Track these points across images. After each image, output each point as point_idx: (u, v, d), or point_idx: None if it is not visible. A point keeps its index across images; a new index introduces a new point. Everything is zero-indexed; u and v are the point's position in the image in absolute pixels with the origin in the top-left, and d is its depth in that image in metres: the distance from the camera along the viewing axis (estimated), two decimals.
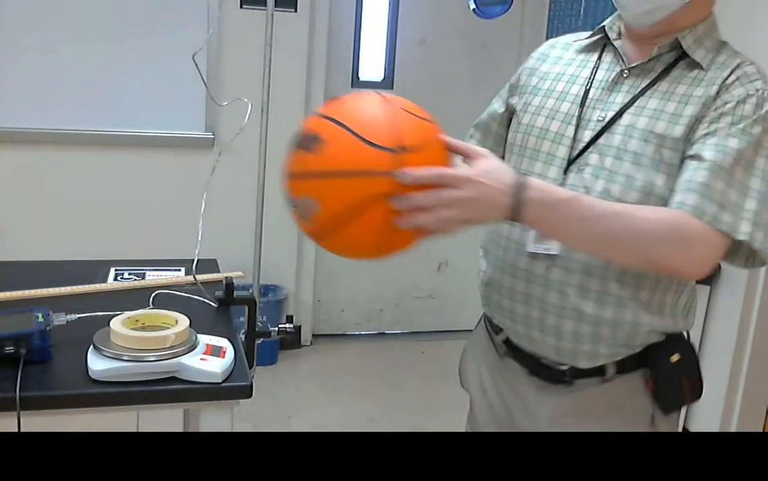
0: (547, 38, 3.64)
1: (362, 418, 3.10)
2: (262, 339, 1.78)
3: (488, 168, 1.11)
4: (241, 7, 3.27)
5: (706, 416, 2.87)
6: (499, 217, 1.11)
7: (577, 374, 1.29)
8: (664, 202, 1.18)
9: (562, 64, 1.38)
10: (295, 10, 3.35)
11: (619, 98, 1.26)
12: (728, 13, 2.83)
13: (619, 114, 1.25)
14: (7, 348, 1.25)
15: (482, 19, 3.36)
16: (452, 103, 3.79)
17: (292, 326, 2.22)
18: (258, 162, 3.02)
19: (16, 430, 1.16)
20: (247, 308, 1.64)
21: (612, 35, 1.33)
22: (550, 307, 1.27)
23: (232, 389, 1.29)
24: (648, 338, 1.27)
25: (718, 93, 1.21)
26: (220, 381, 1.27)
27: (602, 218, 1.13)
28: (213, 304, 1.62)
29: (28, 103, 3.10)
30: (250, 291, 2.87)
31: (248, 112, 1.75)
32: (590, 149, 1.25)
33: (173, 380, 1.27)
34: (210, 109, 3.25)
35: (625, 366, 1.28)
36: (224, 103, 2.71)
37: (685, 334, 1.32)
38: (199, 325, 1.39)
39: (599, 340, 1.26)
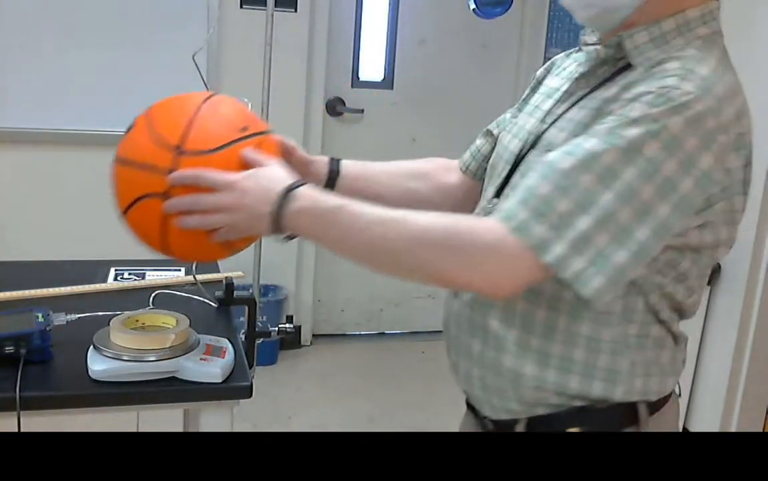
0: (547, 38, 3.66)
1: (362, 418, 3.11)
2: (262, 339, 1.79)
3: (258, 175, 1.07)
4: (241, 7, 3.28)
5: (706, 416, 2.87)
6: (263, 226, 1.06)
7: (496, 425, 1.14)
8: None
9: (559, 77, 1.20)
10: (295, 10, 3.35)
11: (562, 110, 1.11)
12: (728, 12, 2.83)
13: (549, 128, 1.10)
14: (7, 348, 1.25)
15: (482, 19, 3.36)
16: (452, 103, 3.80)
17: (292, 326, 2.22)
18: None
19: (16, 430, 1.16)
20: (247, 308, 1.64)
21: (588, 39, 1.14)
22: (456, 345, 1.17)
23: (232, 389, 1.29)
24: (547, 398, 1.07)
25: (620, 91, 1.02)
26: (220, 381, 1.27)
27: (372, 226, 1.01)
28: (213, 304, 1.62)
29: (28, 103, 3.10)
30: (250, 291, 2.87)
31: None
32: (517, 170, 1.10)
33: (173, 380, 1.27)
34: None
35: (534, 428, 1.09)
36: None
37: (620, 405, 1.06)
38: (199, 325, 1.39)
39: (493, 389, 1.11)
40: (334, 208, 1.04)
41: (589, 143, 0.95)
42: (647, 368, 1.06)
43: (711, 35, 1.04)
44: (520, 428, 1.09)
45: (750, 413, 2.80)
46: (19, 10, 3.01)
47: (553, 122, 1.09)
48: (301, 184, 1.07)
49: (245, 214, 1.06)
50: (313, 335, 3.78)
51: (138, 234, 1.16)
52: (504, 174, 1.13)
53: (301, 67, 3.42)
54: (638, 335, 1.05)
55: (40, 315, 1.31)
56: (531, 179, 0.97)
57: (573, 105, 1.08)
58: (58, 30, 3.07)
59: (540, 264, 0.94)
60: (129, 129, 1.17)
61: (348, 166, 1.33)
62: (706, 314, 2.86)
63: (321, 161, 1.32)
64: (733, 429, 2.79)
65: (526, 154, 1.10)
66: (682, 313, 1.10)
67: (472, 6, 3.23)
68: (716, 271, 2.79)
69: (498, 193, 1.12)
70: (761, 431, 2.82)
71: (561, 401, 1.07)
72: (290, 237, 1.11)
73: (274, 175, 1.08)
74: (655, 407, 1.08)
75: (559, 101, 1.12)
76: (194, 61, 1.77)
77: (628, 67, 1.04)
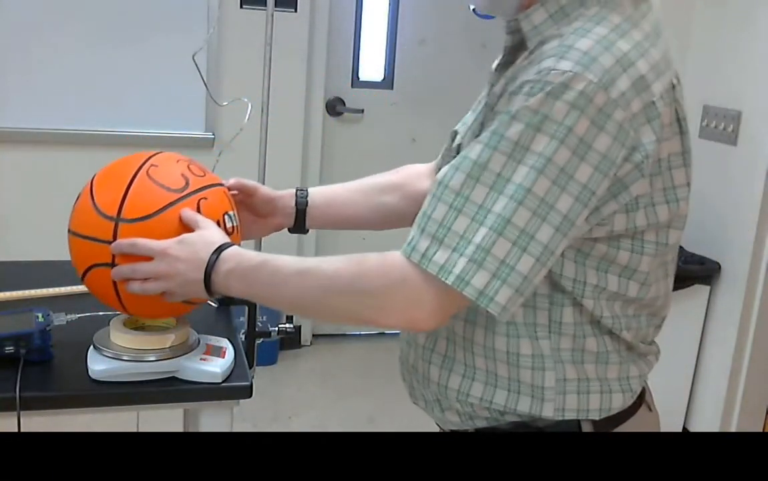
0: None
1: (362, 418, 3.10)
2: (262, 339, 1.79)
3: (189, 241, 1.09)
4: (241, 7, 3.27)
5: (706, 416, 2.87)
6: (198, 290, 1.09)
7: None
8: None
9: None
10: (295, 10, 3.35)
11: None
12: (728, 12, 2.84)
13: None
14: (7, 348, 1.25)
15: (482, 19, 3.36)
16: (452, 103, 3.80)
17: (292, 326, 2.22)
18: (258, 162, 3.02)
19: (16, 430, 1.16)
20: (247, 308, 1.64)
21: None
22: (403, 359, 1.15)
23: (232, 389, 1.29)
24: (477, 411, 1.04)
25: (505, 84, 0.97)
26: (220, 381, 1.27)
27: (290, 279, 1.00)
28: (213, 304, 1.62)
29: (28, 104, 3.10)
30: None
31: (248, 112, 1.75)
32: None
33: (173, 380, 1.27)
34: (210, 109, 3.25)
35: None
36: (224, 103, 2.71)
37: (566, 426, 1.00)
38: (199, 325, 1.39)
39: (430, 401, 1.09)
40: (256, 265, 1.04)
41: (474, 153, 0.90)
42: (583, 384, 0.99)
43: None
44: None
45: (750, 413, 2.80)
46: (19, 10, 3.01)
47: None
48: (228, 246, 1.08)
49: (180, 280, 1.09)
50: (313, 335, 3.78)
51: (98, 297, 1.24)
52: None
53: (301, 67, 3.42)
54: (572, 349, 0.99)
55: (40, 315, 1.31)
56: (426, 204, 0.93)
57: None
58: (58, 30, 3.07)
59: (447, 290, 0.89)
60: (77, 199, 1.22)
61: (316, 194, 1.32)
62: (706, 314, 2.86)
63: (287, 195, 1.31)
64: (733, 429, 2.79)
65: None
66: (640, 313, 1.02)
67: (473, 6, 3.22)
68: (716, 271, 2.79)
69: None
70: (761, 431, 2.82)
71: (494, 416, 1.03)
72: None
73: (205, 239, 1.09)
74: (607, 425, 1.01)
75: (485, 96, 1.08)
76: (194, 61, 1.77)
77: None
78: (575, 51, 0.88)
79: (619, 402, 1.02)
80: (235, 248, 1.09)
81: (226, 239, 1.11)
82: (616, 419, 1.03)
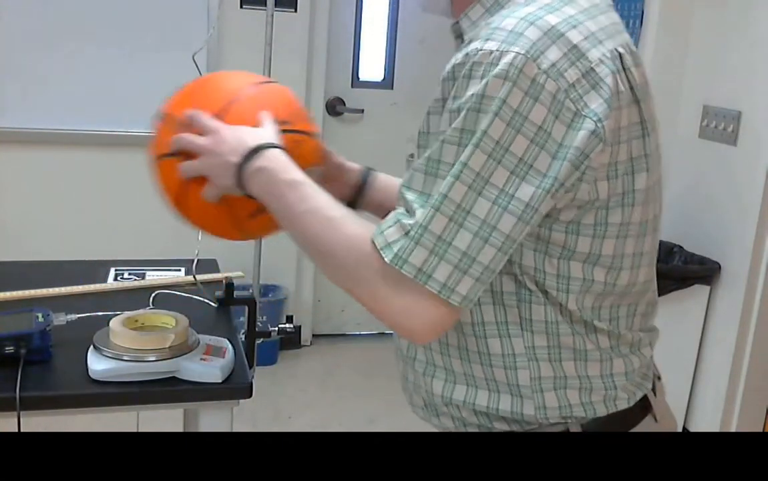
0: None
1: (362, 418, 3.10)
2: (262, 339, 1.79)
3: (242, 129, 1.05)
4: (241, 7, 3.28)
5: (706, 416, 2.87)
6: (229, 179, 1.03)
7: None
8: None
9: None
10: (295, 10, 3.35)
11: None
12: (729, 12, 2.84)
13: None
14: (7, 348, 1.25)
15: None
16: None
17: (292, 326, 2.22)
18: None
19: (16, 430, 1.16)
20: (247, 308, 1.64)
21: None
22: (398, 366, 1.13)
23: (232, 389, 1.29)
24: (466, 416, 1.02)
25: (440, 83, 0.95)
26: (220, 381, 1.27)
27: (306, 215, 0.96)
28: (213, 304, 1.62)
29: (27, 104, 3.10)
30: (250, 291, 2.87)
31: None
32: None
33: (173, 380, 1.27)
34: None
35: None
36: None
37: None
38: (199, 325, 1.39)
39: (425, 407, 1.08)
40: (288, 181, 0.99)
41: (421, 161, 0.90)
42: (561, 381, 0.97)
43: None
44: None
45: (750, 413, 2.80)
46: (20, 10, 3.01)
47: None
48: (276, 147, 1.03)
49: (217, 161, 1.03)
50: (313, 335, 3.78)
51: (163, 190, 1.16)
52: None
53: (301, 67, 3.42)
54: (548, 346, 0.96)
55: (40, 315, 1.31)
56: (398, 207, 0.92)
57: None
58: (59, 30, 3.07)
59: (395, 274, 0.88)
60: (183, 86, 1.18)
61: (376, 178, 1.29)
62: (706, 314, 2.86)
63: (355, 169, 1.28)
64: (733, 429, 2.79)
65: None
66: (617, 304, 0.98)
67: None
68: (716, 271, 2.79)
69: None
70: (761, 431, 2.82)
71: (482, 421, 1.01)
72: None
73: (256, 132, 1.05)
74: (599, 426, 0.99)
75: None
76: (194, 61, 1.77)
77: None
78: (500, 31, 0.87)
79: (600, 398, 0.99)
80: (279, 152, 1.02)
81: (279, 142, 1.05)
82: (610, 421, 0.99)
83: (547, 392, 0.97)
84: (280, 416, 3.07)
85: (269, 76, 2.93)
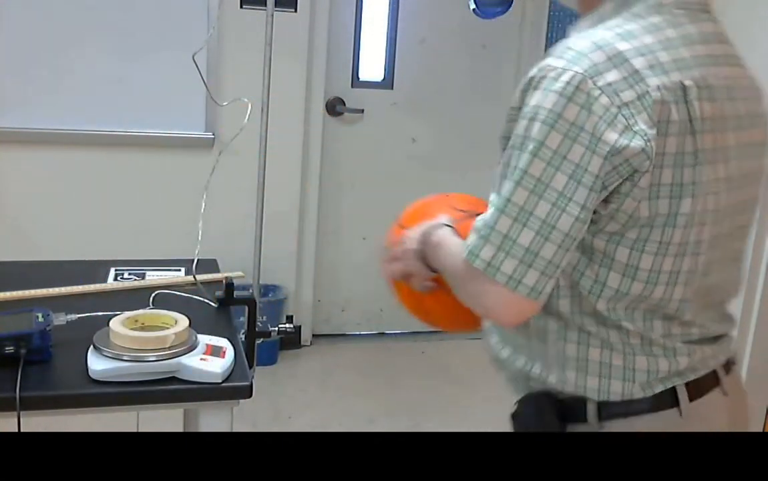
0: (547, 38, 3.66)
1: (362, 418, 3.10)
2: (262, 339, 1.79)
3: (421, 225, 1.21)
4: (241, 7, 3.27)
5: None
6: (416, 263, 1.19)
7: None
8: None
9: None
10: (295, 10, 3.35)
11: None
12: (729, 12, 2.83)
13: None
14: (7, 348, 1.25)
15: (482, 20, 3.36)
16: (452, 103, 3.80)
17: (292, 326, 2.22)
18: (258, 162, 3.02)
19: (16, 430, 1.16)
20: (247, 308, 1.64)
21: None
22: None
23: (232, 389, 1.29)
24: (528, 384, 1.14)
25: None
26: (220, 381, 1.27)
27: (442, 254, 1.14)
28: (213, 304, 1.62)
29: (27, 104, 3.10)
30: (250, 291, 2.87)
31: (248, 112, 1.75)
32: None
33: (173, 380, 1.27)
34: (210, 109, 3.25)
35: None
36: (224, 103, 2.70)
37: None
38: (199, 325, 1.39)
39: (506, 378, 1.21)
40: (436, 243, 1.16)
41: (500, 166, 1.02)
42: (582, 363, 1.06)
43: (643, 9, 1.04)
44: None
45: (750, 413, 2.80)
46: (20, 10, 3.01)
47: None
48: (440, 227, 1.18)
49: (406, 254, 1.21)
50: (313, 335, 3.78)
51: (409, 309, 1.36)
52: None
53: (301, 67, 3.42)
54: (579, 333, 1.06)
55: (40, 315, 1.31)
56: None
57: None
58: (58, 30, 3.07)
59: (475, 272, 1.00)
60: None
61: None
62: None
63: None
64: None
65: None
66: (652, 316, 1.05)
67: (472, 6, 3.22)
68: None
69: None
70: (761, 431, 2.82)
71: (524, 382, 1.13)
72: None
73: (432, 222, 1.20)
74: (610, 411, 1.06)
75: None
76: (194, 61, 1.77)
77: None
78: (570, 51, 0.99)
79: (618, 388, 1.05)
80: (443, 228, 1.18)
81: (448, 224, 1.20)
82: (623, 407, 1.06)
83: (569, 370, 1.07)
84: (280, 416, 3.07)
85: (269, 76, 2.93)
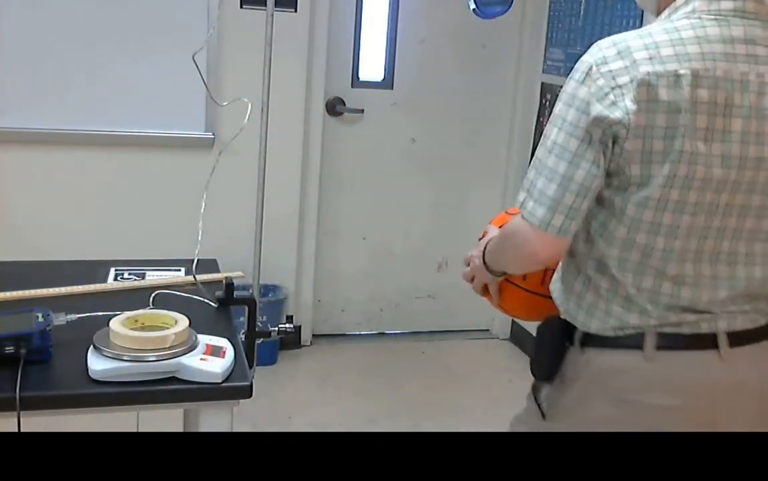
0: (547, 38, 3.66)
1: (362, 418, 3.10)
2: (262, 339, 1.79)
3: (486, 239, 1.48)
4: (241, 7, 3.27)
5: None
6: (484, 271, 1.46)
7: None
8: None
9: None
10: (295, 10, 3.35)
11: None
12: None
13: None
14: (7, 348, 1.25)
15: (482, 20, 3.36)
16: (452, 103, 3.80)
17: (292, 326, 2.22)
18: (258, 162, 3.02)
19: (16, 430, 1.16)
20: (247, 308, 1.64)
21: None
22: None
23: (232, 389, 1.29)
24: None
25: None
26: (220, 381, 1.27)
27: (491, 246, 1.43)
28: (213, 304, 1.62)
29: (28, 104, 3.10)
30: (250, 291, 2.87)
31: (248, 112, 1.75)
32: None
33: (173, 380, 1.27)
34: (210, 109, 3.25)
35: None
36: (224, 103, 2.70)
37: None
38: (199, 325, 1.39)
39: None
40: (488, 249, 1.44)
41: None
42: (574, 297, 1.32)
43: (679, 16, 1.23)
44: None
45: None
46: (20, 10, 3.01)
47: None
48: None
49: (475, 262, 1.49)
50: (313, 335, 3.78)
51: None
52: None
53: (301, 67, 3.42)
54: (578, 272, 1.32)
55: (40, 315, 1.31)
56: None
57: None
58: (59, 30, 3.07)
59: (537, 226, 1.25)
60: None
61: None
62: None
63: None
64: None
65: None
66: (643, 268, 1.24)
67: (472, 6, 3.22)
68: None
69: None
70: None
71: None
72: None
73: (493, 233, 1.46)
74: (590, 341, 1.30)
75: None
76: (194, 61, 1.77)
77: None
78: (595, 47, 1.24)
79: (597, 326, 1.29)
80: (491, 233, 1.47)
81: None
82: (598, 340, 1.29)
83: (572, 303, 1.33)
84: (280, 416, 3.07)
85: (269, 76, 2.93)
